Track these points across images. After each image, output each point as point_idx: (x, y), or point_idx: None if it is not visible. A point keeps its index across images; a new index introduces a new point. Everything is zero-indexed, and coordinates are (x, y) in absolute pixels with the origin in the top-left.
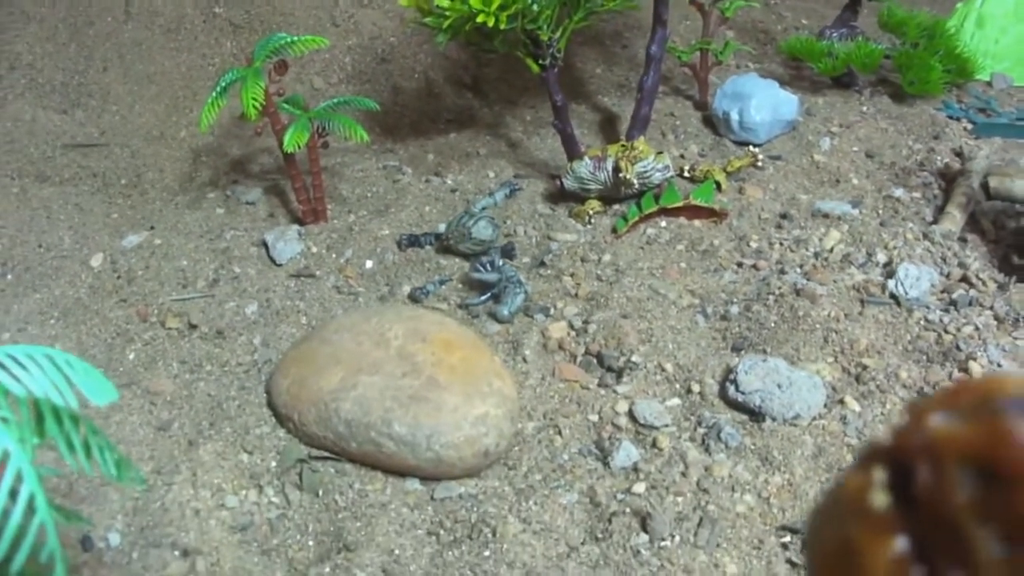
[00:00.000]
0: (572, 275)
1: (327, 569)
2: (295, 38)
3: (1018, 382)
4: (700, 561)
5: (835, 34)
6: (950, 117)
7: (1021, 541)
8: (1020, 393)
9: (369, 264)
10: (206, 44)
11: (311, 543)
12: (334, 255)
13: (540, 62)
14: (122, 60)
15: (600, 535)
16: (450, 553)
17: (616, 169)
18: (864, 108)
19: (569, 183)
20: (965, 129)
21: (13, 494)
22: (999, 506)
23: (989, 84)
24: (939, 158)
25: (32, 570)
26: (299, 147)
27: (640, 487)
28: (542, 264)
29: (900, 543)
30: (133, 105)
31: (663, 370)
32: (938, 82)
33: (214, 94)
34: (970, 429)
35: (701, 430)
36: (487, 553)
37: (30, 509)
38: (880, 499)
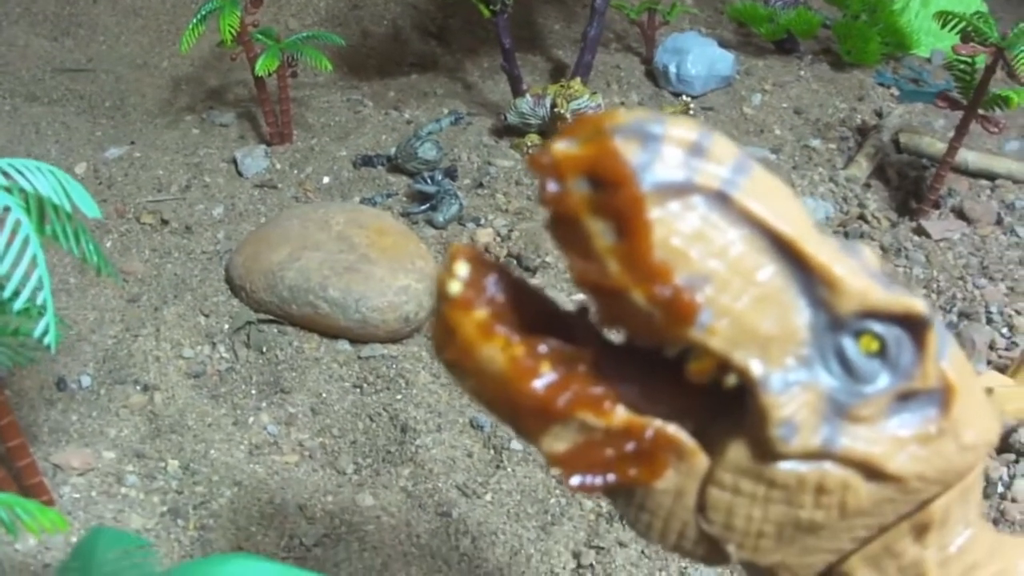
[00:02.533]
0: (505, 194)
1: (264, 404)
2: None
3: (627, 114)
4: None
5: (779, 2)
6: (880, 84)
7: (624, 231)
8: (626, 122)
9: (326, 180)
10: None
11: (254, 392)
12: (296, 171)
13: (491, 7)
14: None
15: None
16: (369, 398)
17: (553, 106)
18: (801, 72)
19: (512, 118)
20: (892, 95)
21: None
22: (606, 205)
23: (928, 60)
24: (859, 116)
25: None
26: (269, 72)
27: None
28: (480, 185)
29: (481, 311)
30: (119, 36)
31: None
32: (875, 52)
33: (195, 20)
34: (584, 149)
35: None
36: (399, 397)
37: (33, 264)
38: (456, 285)
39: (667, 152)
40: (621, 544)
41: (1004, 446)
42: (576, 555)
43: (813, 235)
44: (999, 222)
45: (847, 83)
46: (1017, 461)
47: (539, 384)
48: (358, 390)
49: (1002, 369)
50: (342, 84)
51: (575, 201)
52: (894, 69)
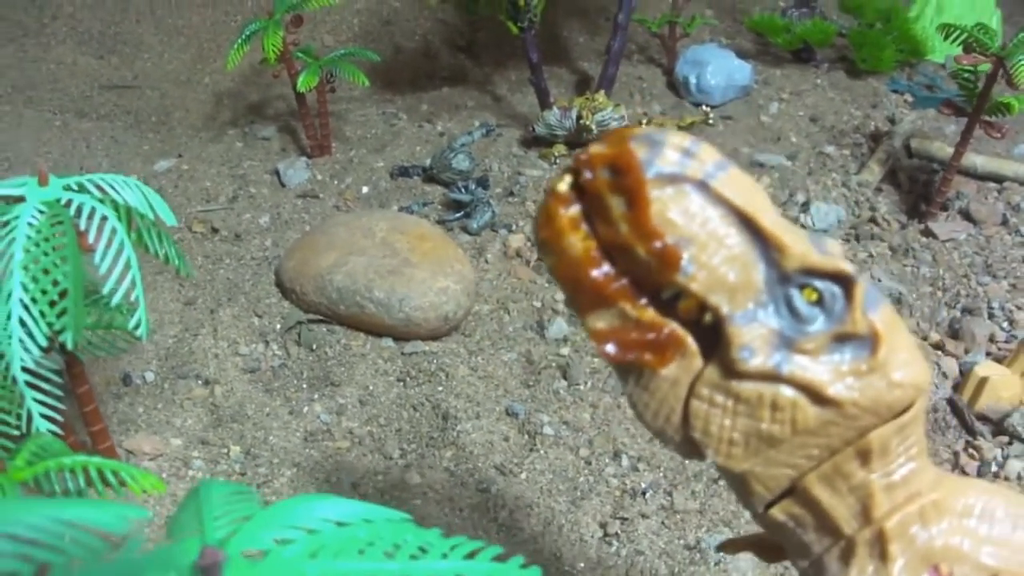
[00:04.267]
0: (535, 202)
1: (316, 396)
2: None
3: (641, 128)
4: (605, 401)
5: (795, 13)
6: (895, 91)
7: (631, 204)
8: (639, 133)
9: (365, 189)
10: (229, 2)
11: (305, 385)
12: (336, 182)
13: (519, 24)
14: (153, 14)
15: (531, 383)
16: (412, 390)
17: (579, 117)
18: (818, 80)
19: (539, 129)
20: (905, 101)
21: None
22: (620, 185)
23: (943, 66)
24: (873, 123)
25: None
26: (310, 88)
27: (566, 350)
28: (511, 194)
29: (574, 208)
30: (163, 53)
31: None
32: (890, 60)
33: (239, 40)
34: (610, 149)
35: None
36: (440, 388)
37: (127, 266)
38: (563, 185)
39: (666, 153)
40: (643, 516)
41: (998, 429)
42: (603, 525)
43: (771, 215)
44: (1004, 223)
45: (862, 90)
46: (1011, 443)
47: (599, 273)
48: (402, 383)
49: (1000, 360)
50: (377, 98)
51: (600, 183)
52: (909, 76)
